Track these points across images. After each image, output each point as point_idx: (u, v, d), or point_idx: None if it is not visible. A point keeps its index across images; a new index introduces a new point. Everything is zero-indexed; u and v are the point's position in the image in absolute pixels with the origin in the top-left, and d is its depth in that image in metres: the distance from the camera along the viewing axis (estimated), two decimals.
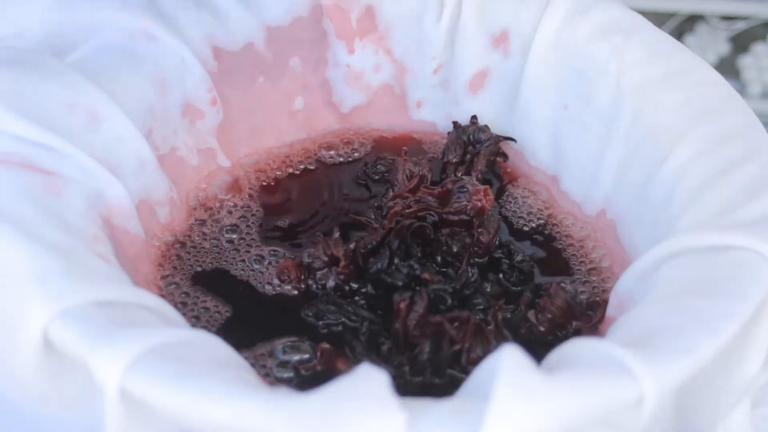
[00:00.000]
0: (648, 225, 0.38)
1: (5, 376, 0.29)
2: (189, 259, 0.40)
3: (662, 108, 0.39)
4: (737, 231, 0.32)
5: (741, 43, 1.06)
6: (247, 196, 0.44)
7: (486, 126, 0.46)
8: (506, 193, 0.46)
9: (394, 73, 0.49)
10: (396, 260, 0.39)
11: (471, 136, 0.46)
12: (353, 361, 0.35)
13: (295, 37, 0.47)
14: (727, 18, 1.04)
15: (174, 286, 0.39)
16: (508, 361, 0.26)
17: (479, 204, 0.40)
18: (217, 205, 0.44)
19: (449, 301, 0.38)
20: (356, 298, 0.39)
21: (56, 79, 0.36)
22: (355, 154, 0.48)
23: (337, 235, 0.39)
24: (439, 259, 0.40)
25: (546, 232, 0.44)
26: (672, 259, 0.33)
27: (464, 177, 0.43)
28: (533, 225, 0.44)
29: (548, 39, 0.44)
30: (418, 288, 0.37)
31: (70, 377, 0.28)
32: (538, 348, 0.33)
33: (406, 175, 0.43)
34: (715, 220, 0.33)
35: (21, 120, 0.34)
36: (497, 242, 0.41)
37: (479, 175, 0.45)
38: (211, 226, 0.42)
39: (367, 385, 0.26)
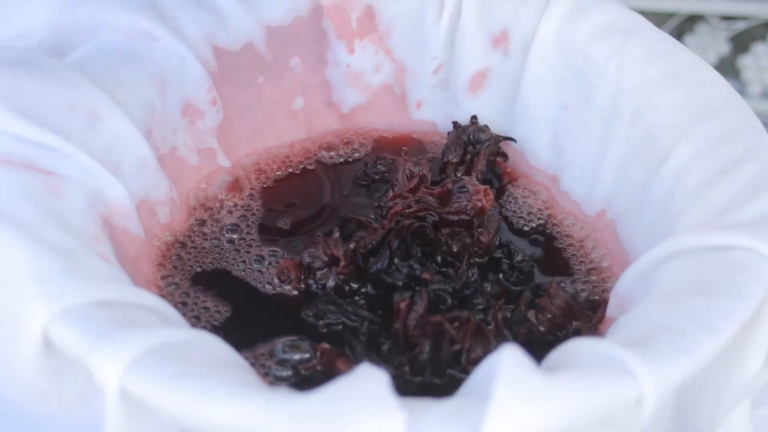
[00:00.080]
0: (648, 225, 0.38)
1: (5, 376, 0.29)
2: (189, 259, 0.40)
3: (662, 108, 0.39)
4: (737, 231, 0.32)
5: (741, 43, 1.06)
6: (247, 196, 0.44)
7: (486, 126, 0.47)
8: (506, 193, 0.46)
9: (394, 73, 0.49)
10: (396, 260, 0.39)
11: (471, 136, 0.46)
12: (353, 361, 0.35)
13: (295, 37, 0.47)
14: (727, 18, 1.04)
15: (174, 286, 0.39)
16: (508, 361, 0.26)
17: (479, 204, 0.40)
18: (217, 205, 0.44)
19: (449, 301, 0.38)
20: (356, 298, 0.39)
21: (56, 79, 0.36)
22: (355, 154, 0.48)
23: (337, 235, 0.39)
24: (439, 259, 0.40)
25: (546, 232, 0.44)
26: (672, 259, 0.33)
27: (464, 177, 0.43)
28: (533, 225, 0.44)
29: (548, 39, 0.44)
30: (418, 288, 0.37)
31: (70, 377, 0.28)
32: (538, 348, 0.33)
33: (406, 175, 0.43)
34: (715, 220, 0.33)
35: (21, 120, 0.34)
36: (497, 242, 0.41)
37: (479, 175, 0.45)
38: (211, 226, 0.42)
39: (367, 385, 0.26)
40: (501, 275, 0.40)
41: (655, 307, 0.31)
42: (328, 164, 0.47)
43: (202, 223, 0.42)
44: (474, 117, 0.47)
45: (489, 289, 0.39)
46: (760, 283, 0.30)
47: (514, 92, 0.46)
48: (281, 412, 0.25)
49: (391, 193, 0.42)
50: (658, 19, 1.01)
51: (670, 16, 1.03)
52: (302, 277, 0.39)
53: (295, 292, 0.39)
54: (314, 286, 0.39)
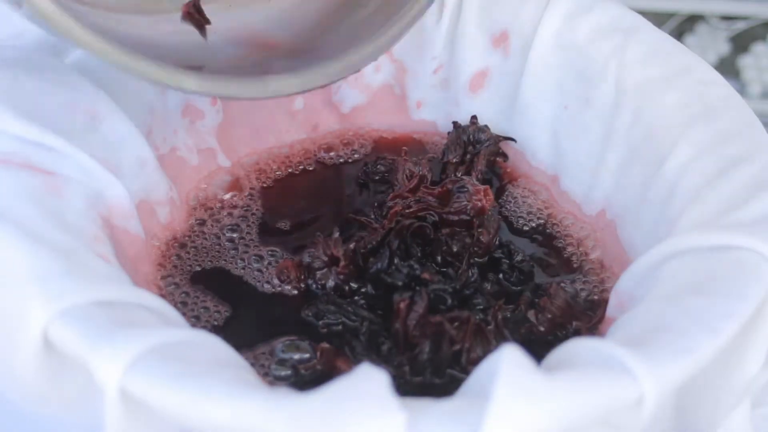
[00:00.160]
0: (648, 225, 0.38)
1: (5, 376, 0.29)
2: (189, 259, 0.40)
3: (662, 108, 0.39)
4: (737, 231, 0.32)
5: (741, 43, 1.06)
6: (247, 196, 0.44)
7: (486, 126, 0.47)
8: (506, 193, 0.46)
9: (394, 73, 0.49)
10: (396, 260, 0.39)
11: (471, 136, 0.46)
12: (353, 361, 0.35)
13: None
14: (727, 18, 1.04)
15: (174, 286, 0.39)
16: (508, 361, 0.26)
17: (479, 204, 0.40)
18: (217, 205, 0.44)
19: (449, 301, 0.38)
20: (356, 298, 0.39)
21: (56, 79, 0.36)
22: (355, 155, 0.48)
23: (337, 235, 0.39)
24: (439, 259, 0.40)
25: (546, 231, 0.44)
26: (672, 258, 0.33)
27: (464, 177, 0.43)
28: (533, 225, 0.44)
29: (548, 39, 0.44)
30: (418, 288, 0.37)
31: (70, 377, 0.28)
32: (538, 348, 0.33)
33: (406, 175, 0.43)
34: (715, 220, 0.33)
35: (21, 120, 0.34)
36: (497, 242, 0.41)
37: (479, 175, 0.45)
38: (211, 226, 0.42)
39: (367, 385, 0.26)
40: (501, 275, 0.40)
41: (655, 307, 0.31)
42: (328, 164, 0.47)
43: (202, 223, 0.42)
44: (474, 117, 0.47)
45: (489, 289, 0.39)
46: (760, 283, 0.30)
47: (514, 92, 0.46)
48: (281, 412, 0.25)
49: (391, 193, 0.42)
50: (658, 19, 1.01)
51: (670, 16, 1.03)
52: (302, 277, 0.39)
53: (295, 292, 0.39)
54: (314, 286, 0.39)
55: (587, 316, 0.38)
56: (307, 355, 0.35)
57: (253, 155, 0.47)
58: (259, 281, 0.40)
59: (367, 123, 0.50)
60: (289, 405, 0.25)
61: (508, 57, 0.46)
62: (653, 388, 0.26)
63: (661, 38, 0.42)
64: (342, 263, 0.39)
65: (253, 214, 0.43)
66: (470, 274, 0.39)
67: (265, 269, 0.40)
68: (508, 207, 0.45)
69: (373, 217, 0.42)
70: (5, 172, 0.32)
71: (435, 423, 0.25)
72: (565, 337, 0.37)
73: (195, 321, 0.37)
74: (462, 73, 0.48)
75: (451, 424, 0.25)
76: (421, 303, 0.35)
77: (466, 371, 0.34)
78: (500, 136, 0.46)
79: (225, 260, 0.41)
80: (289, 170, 0.47)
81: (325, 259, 0.39)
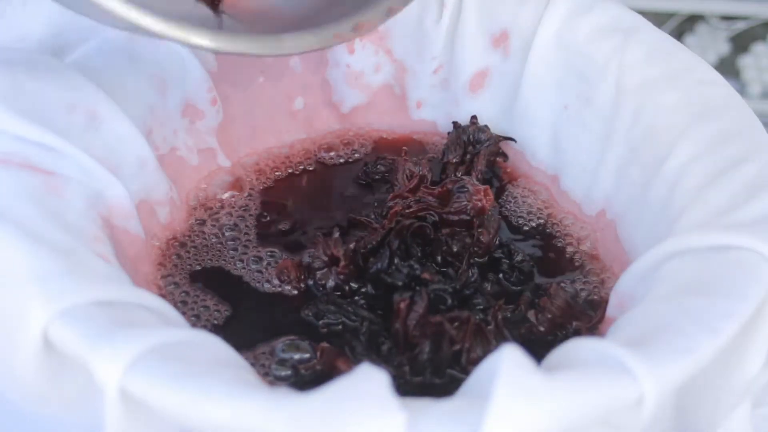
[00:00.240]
0: (648, 225, 0.38)
1: (5, 376, 0.29)
2: (189, 259, 0.40)
3: (662, 108, 0.39)
4: (737, 231, 0.32)
5: (741, 43, 1.06)
6: (246, 196, 0.44)
7: (486, 126, 0.47)
8: (506, 193, 0.46)
9: (394, 73, 0.49)
10: (396, 260, 0.39)
11: (471, 136, 0.46)
12: (353, 361, 0.35)
13: None
14: (727, 18, 1.04)
15: (174, 285, 0.39)
16: (508, 361, 0.26)
17: (479, 204, 0.40)
18: (217, 205, 0.44)
19: (449, 301, 0.38)
20: (356, 298, 0.39)
21: (56, 79, 0.36)
22: (355, 155, 0.48)
23: (337, 235, 0.39)
24: (439, 259, 0.40)
25: (546, 231, 0.44)
26: (672, 259, 0.33)
27: (464, 177, 0.43)
28: (533, 225, 0.44)
29: (548, 39, 0.44)
30: (418, 288, 0.37)
31: (70, 377, 0.28)
32: (538, 348, 0.33)
33: (406, 175, 0.43)
34: (714, 220, 0.33)
35: (21, 120, 0.34)
36: (497, 242, 0.41)
37: (479, 175, 0.45)
38: (211, 226, 0.42)
39: (367, 385, 0.26)
40: (501, 275, 0.40)
41: (655, 307, 0.31)
42: (328, 164, 0.47)
43: (202, 223, 0.42)
44: (474, 117, 0.47)
45: (489, 289, 0.39)
46: (760, 283, 0.30)
47: (514, 92, 0.46)
48: (281, 412, 0.25)
49: (391, 193, 0.42)
50: (658, 19, 1.01)
51: (670, 16, 1.03)
52: (302, 277, 0.39)
53: (295, 292, 0.39)
54: (314, 286, 0.39)
55: (587, 316, 0.38)
56: (307, 355, 0.35)
57: (253, 155, 0.47)
58: (259, 281, 0.40)
59: (367, 123, 0.50)
60: (289, 405, 0.25)
61: (508, 57, 0.46)
62: (653, 388, 0.26)
63: (661, 38, 0.42)
64: (342, 263, 0.39)
65: (252, 214, 0.43)
66: (470, 274, 0.39)
67: (264, 269, 0.40)
68: (508, 207, 0.45)
69: (373, 217, 0.42)
70: (5, 172, 0.32)
71: (435, 423, 0.25)
72: (565, 337, 0.37)
73: (195, 320, 0.37)
74: (462, 73, 0.48)
75: (451, 424, 0.25)
76: (421, 303, 0.35)
77: (466, 371, 0.34)
78: (500, 136, 0.46)
79: (225, 260, 0.41)
80: (289, 170, 0.47)
81: (325, 259, 0.39)
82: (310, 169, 0.47)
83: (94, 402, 0.27)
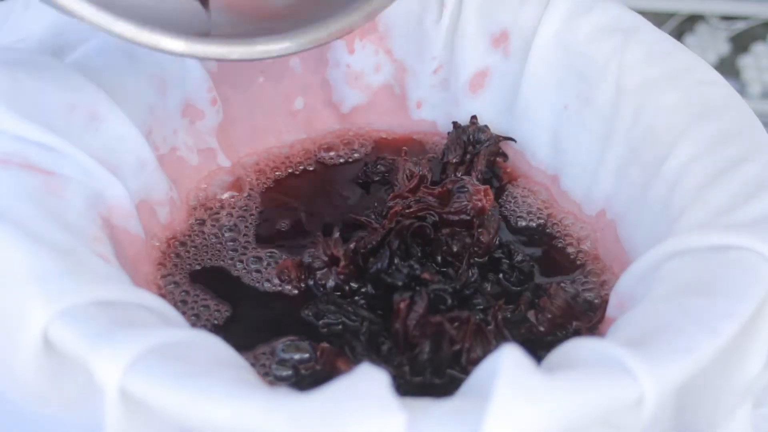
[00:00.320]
0: (648, 225, 0.38)
1: (5, 376, 0.29)
2: (189, 259, 0.40)
3: (662, 108, 0.39)
4: (737, 231, 0.32)
5: (741, 43, 1.06)
6: (246, 196, 0.44)
7: (486, 126, 0.47)
8: (506, 193, 0.46)
9: (394, 73, 0.49)
10: (396, 260, 0.39)
11: (471, 136, 0.46)
12: (353, 361, 0.35)
13: None
14: (727, 18, 1.04)
15: (174, 285, 0.39)
16: (508, 361, 0.26)
17: (479, 204, 0.40)
18: (217, 205, 0.44)
19: (449, 301, 0.38)
20: (356, 298, 0.39)
21: (56, 79, 0.36)
22: (355, 155, 0.48)
23: (337, 235, 0.39)
24: (439, 259, 0.40)
25: (546, 231, 0.44)
26: (672, 259, 0.33)
27: (464, 177, 0.43)
28: (533, 225, 0.44)
29: (548, 39, 0.44)
30: (418, 288, 0.37)
31: (70, 377, 0.28)
32: (538, 348, 0.33)
33: (406, 175, 0.43)
34: (714, 220, 0.33)
35: (21, 120, 0.34)
36: (497, 242, 0.41)
37: (479, 175, 0.45)
38: (211, 226, 0.42)
39: (367, 385, 0.26)
40: (501, 275, 0.40)
41: (655, 307, 0.31)
42: (328, 164, 0.47)
43: (202, 223, 0.42)
44: (474, 117, 0.47)
45: (489, 289, 0.39)
46: (760, 283, 0.30)
47: (514, 92, 0.46)
48: (281, 412, 0.25)
49: (391, 193, 0.42)
50: (658, 19, 1.01)
51: (670, 16, 1.03)
52: (302, 276, 0.39)
53: (295, 292, 0.39)
54: (314, 286, 0.39)
55: (587, 316, 0.38)
56: (307, 355, 0.35)
57: (253, 155, 0.47)
58: (258, 281, 0.40)
59: (367, 123, 0.50)
60: (289, 405, 0.25)
61: (508, 57, 0.46)
62: (653, 388, 0.26)
63: (661, 38, 0.42)
64: (342, 263, 0.39)
65: (252, 214, 0.43)
66: (470, 274, 0.39)
67: (264, 269, 0.40)
68: (508, 207, 0.45)
69: (373, 217, 0.42)
70: (5, 172, 0.32)
71: (435, 423, 0.25)
72: (565, 337, 0.37)
73: (195, 320, 0.37)
74: (462, 73, 0.48)
75: (451, 424, 0.25)
76: (421, 303, 0.35)
77: (466, 371, 0.34)
78: (500, 136, 0.46)
79: (225, 260, 0.41)
80: (289, 170, 0.47)
81: (325, 259, 0.39)
82: (310, 169, 0.47)
83: (94, 402, 0.27)
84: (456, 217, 0.41)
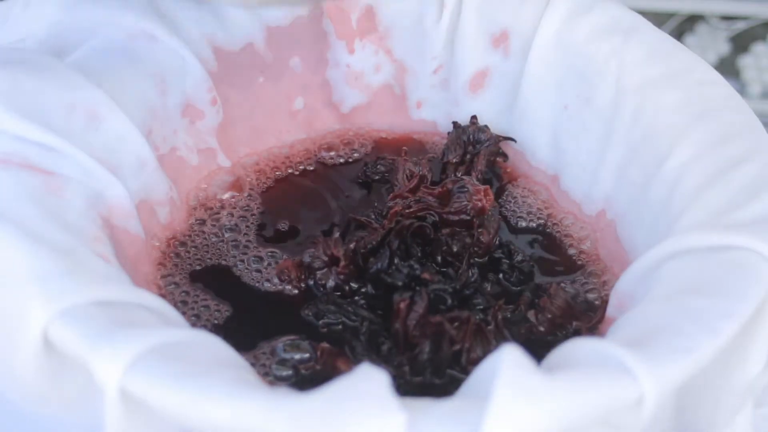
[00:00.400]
0: (648, 225, 0.38)
1: (5, 376, 0.29)
2: (189, 259, 0.40)
3: (662, 108, 0.39)
4: (737, 231, 0.32)
5: (741, 43, 1.06)
6: (247, 196, 0.44)
7: (486, 126, 0.47)
8: (506, 193, 0.46)
9: (394, 73, 0.49)
10: (396, 260, 0.39)
11: (471, 136, 0.46)
12: (353, 361, 0.35)
13: (295, 37, 0.47)
14: (727, 18, 1.04)
15: (174, 285, 0.39)
16: (508, 361, 0.26)
17: (479, 204, 0.40)
18: (217, 205, 0.44)
19: (449, 301, 0.38)
20: (356, 298, 0.39)
21: (56, 79, 0.36)
22: (355, 155, 0.48)
23: (337, 235, 0.39)
24: (439, 259, 0.40)
25: (546, 231, 0.44)
26: (672, 259, 0.33)
27: (464, 177, 0.43)
28: (533, 225, 0.44)
29: (548, 39, 0.44)
30: (418, 288, 0.37)
31: (70, 377, 0.28)
32: (538, 348, 0.33)
33: (406, 175, 0.43)
34: (715, 220, 0.33)
35: (21, 120, 0.34)
36: (497, 242, 0.41)
37: (479, 175, 0.45)
38: (211, 226, 0.42)
39: (367, 385, 0.26)
40: (501, 275, 0.40)
41: (655, 307, 0.31)
42: (328, 164, 0.47)
43: (202, 223, 0.42)
44: (474, 117, 0.47)
45: (489, 289, 0.39)
46: (760, 283, 0.30)
47: (514, 92, 0.46)
48: (281, 412, 0.25)
49: (391, 193, 0.42)
50: (658, 19, 1.01)
51: (670, 16, 1.03)
52: (302, 276, 0.39)
53: (295, 292, 0.39)
54: (314, 286, 0.39)
55: (587, 316, 0.38)
56: (307, 355, 0.35)
57: (253, 155, 0.47)
58: (259, 281, 0.40)
59: (367, 123, 0.50)
60: (289, 405, 0.25)
61: (508, 57, 0.46)
62: (653, 388, 0.26)
63: (661, 38, 0.42)
64: (342, 263, 0.39)
65: (252, 214, 0.43)
66: (470, 274, 0.39)
67: (264, 269, 0.40)
68: (508, 207, 0.45)
69: (373, 217, 0.42)
70: (5, 172, 0.32)
71: (435, 423, 0.25)
72: (565, 337, 0.37)
73: (195, 320, 0.37)
74: (462, 73, 0.48)
75: (451, 424, 0.25)
76: (421, 303, 0.35)
77: (466, 371, 0.34)
78: (500, 136, 0.46)
79: (225, 260, 0.41)
80: (289, 170, 0.47)
81: (325, 259, 0.39)
82: (310, 169, 0.47)
83: (94, 402, 0.27)
84: (456, 217, 0.41)
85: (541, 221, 0.44)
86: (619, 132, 0.41)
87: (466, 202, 0.41)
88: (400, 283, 0.38)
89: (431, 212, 0.40)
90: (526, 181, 0.47)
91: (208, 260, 0.41)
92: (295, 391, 0.26)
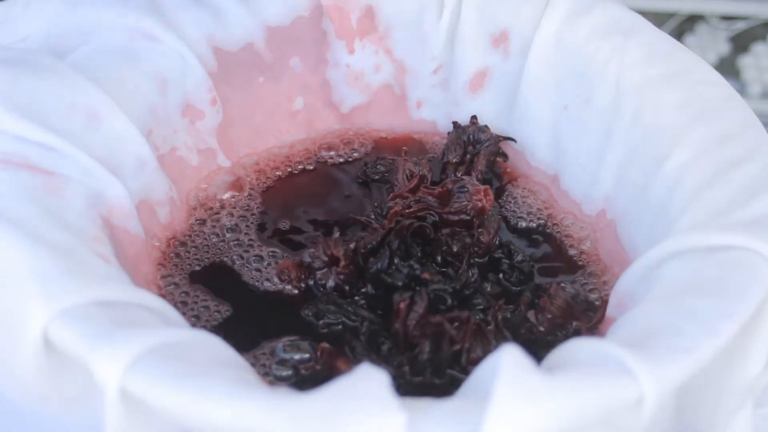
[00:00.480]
0: (648, 225, 0.38)
1: (5, 376, 0.29)
2: (189, 259, 0.40)
3: (662, 108, 0.39)
4: (737, 231, 0.32)
5: (741, 43, 1.06)
6: (247, 196, 0.44)
7: (486, 126, 0.47)
8: (506, 193, 0.46)
9: (394, 73, 0.49)
10: (396, 260, 0.39)
11: (471, 136, 0.46)
12: (353, 361, 0.35)
13: (295, 37, 0.47)
14: (727, 18, 1.04)
15: (174, 285, 0.39)
16: (508, 361, 0.26)
17: (479, 204, 0.40)
18: (217, 205, 0.44)
19: (449, 301, 0.38)
20: (356, 298, 0.39)
21: (56, 79, 0.36)
22: (355, 155, 0.48)
23: (337, 235, 0.39)
24: (439, 259, 0.40)
25: (546, 231, 0.44)
26: (672, 259, 0.33)
27: (464, 177, 0.43)
28: (533, 225, 0.44)
29: (548, 39, 0.44)
30: (418, 288, 0.37)
31: (70, 377, 0.28)
32: (538, 348, 0.33)
33: (406, 175, 0.43)
34: (715, 220, 0.33)
35: (21, 120, 0.34)
36: (497, 242, 0.41)
37: (479, 175, 0.45)
38: (211, 226, 0.42)
39: (367, 385, 0.26)
40: (501, 275, 0.40)
41: (655, 307, 0.31)
42: (328, 164, 0.47)
43: (202, 223, 0.42)
44: (474, 117, 0.47)
45: (489, 289, 0.39)
46: (760, 283, 0.30)
47: (514, 92, 0.46)
48: (281, 412, 0.25)
49: (391, 193, 0.42)
50: (658, 19, 1.01)
51: (670, 16, 1.03)
52: (302, 276, 0.39)
53: (295, 292, 0.39)
54: (314, 286, 0.39)
55: (587, 316, 0.38)
56: (307, 355, 0.35)
57: (253, 155, 0.47)
58: (258, 281, 0.40)
59: (367, 123, 0.50)
60: (289, 405, 0.25)
61: (508, 57, 0.46)
62: (653, 388, 0.26)
63: (661, 38, 0.42)
64: (342, 263, 0.39)
65: (253, 214, 0.43)
66: (470, 274, 0.39)
67: (264, 269, 0.40)
68: (508, 207, 0.45)
69: (373, 217, 0.42)
70: (5, 172, 0.32)
71: (435, 423, 0.25)
72: (565, 337, 0.37)
73: (195, 320, 0.37)
74: (462, 73, 0.48)
75: (451, 424, 0.25)
76: (421, 303, 0.35)
77: (466, 371, 0.34)
78: (500, 136, 0.46)
79: (225, 260, 0.41)
80: (289, 170, 0.47)
81: (325, 259, 0.39)
82: (310, 168, 0.47)
83: (94, 402, 0.27)
84: (456, 217, 0.41)
85: (541, 221, 0.44)
86: (619, 132, 0.41)
87: (466, 202, 0.41)
88: (400, 283, 0.38)
89: (431, 212, 0.40)
90: (526, 181, 0.47)
91: (208, 260, 0.41)
92: (295, 391, 0.26)
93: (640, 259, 0.34)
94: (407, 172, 0.44)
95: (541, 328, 0.37)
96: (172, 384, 0.26)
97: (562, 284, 0.40)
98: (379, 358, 0.35)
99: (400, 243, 0.39)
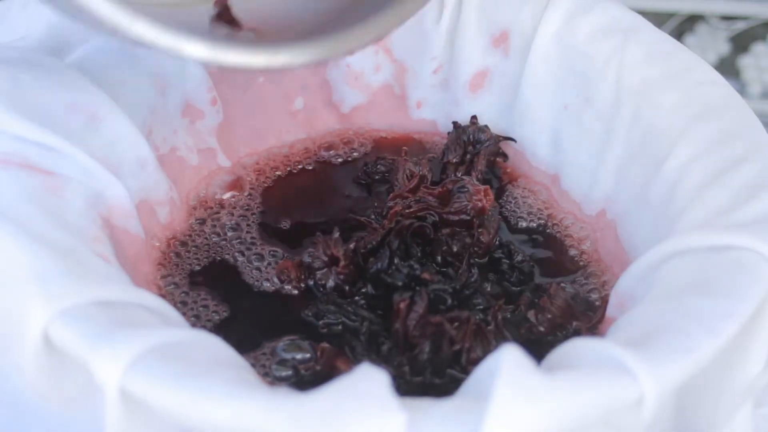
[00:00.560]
0: (648, 225, 0.38)
1: (5, 376, 0.29)
2: (189, 259, 0.40)
3: (662, 108, 0.39)
4: (737, 231, 0.32)
5: (741, 43, 1.06)
6: (247, 196, 0.44)
7: (486, 126, 0.46)
8: (506, 193, 0.46)
9: (394, 73, 0.49)
10: (396, 260, 0.39)
11: (471, 136, 0.46)
12: (353, 361, 0.35)
13: None
14: (727, 18, 1.04)
15: (174, 285, 0.39)
16: (508, 361, 0.26)
17: (479, 204, 0.40)
18: (217, 205, 0.44)
19: (449, 301, 0.38)
20: (356, 298, 0.39)
21: (56, 79, 0.36)
22: (355, 154, 0.48)
23: (337, 235, 0.39)
24: (439, 259, 0.40)
25: (546, 231, 0.44)
26: (672, 259, 0.33)
27: (464, 177, 0.43)
28: (533, 225, 0.44)
29: (548, 39, 0.44)
30: (418, 288, 0.37)
31: (70, 377, 0.28)
32: (538, 348, 0.33)
33: (406, 175, 0.43)
34: (715, 220, 0.33)
35: (21, 120, 0.34)
36: (497, 242, 0.41)
37: (479, 175, 0.45)
38: (212, 225, 0.42)
39: (367, 385, 0.26)
40: (501, 275, 0.40)
41: (655, 307, 0.31)
42: (328, 164, 0.47)
43: (202, 222, 0.42)
44: (474, 117, 0.47)
45: (489, 289, 0.39)
46: (760, 283, 0.30)
47: (514, 92, 0.46)
48: (281, 412, 0.25)
49: (391, 193, 0.42)
50: (658, 19, 1.01)
51: (670, 16, 1.03)
52: (302, 276, 0.39)
53: (295, 292, 0.39)
54: (314, 286, 0.39)
55: (587, 316, 0.38)
56: (307, 355, 0.35)
57: (253, 155, 0.47)
58: (258, 281, 0.40)
59: (367, 123, 0.50)
60: (289, 405, 0.25)
61: (508, 57, 0.46)
62: (653, 388, 0.26)
63: (661, 38, 0.42)
64: (342, 263, 0.39)
65: (253, 213, 0.43)
66: (470, 274, 0.39)
67: (264, 269, 0.40)
68: (508, 207, 0.45)
69: (373, 217, 0.42)
70: (5, 172, 0.32)
71: (435, 423, 0.25)
72: (565, 337, 0.37)
73: (195, 320, 0.37)
74: (462, 73, 0.48)
75: (451, 424, 0.25)
76: (421, 303, 0.35)
77: (466, 371, 0.34)
78: (500, 136, 0.46)
79: (225, 260, 0.41)
80: (289, 170, 0.47)
81: (325, 259, 0.39)
82: (310, 168, 0.47)
83: (94, 402, 0.27)
84: (456, 217, 0.41)
85: (542, 221, 0.44)
86: (619, 132, 0.41)
87: (466, 202, 0.41)
88: (400, 283, 0.38)
89: (431, 212, 0.40)
90: (526, 181, 0.47)
91: (208, 260, 0.41)
92: (295, 391, 0.26)
93: (640, 259, 0.34)
94: (407, 172, 0.44)
95: (541, 328, 0.37)
96: (172, 384, 0.26)
97: (562, 284, 0.40)
98: (379, 358, 0.35)
99: (400, 243, 0.39)
